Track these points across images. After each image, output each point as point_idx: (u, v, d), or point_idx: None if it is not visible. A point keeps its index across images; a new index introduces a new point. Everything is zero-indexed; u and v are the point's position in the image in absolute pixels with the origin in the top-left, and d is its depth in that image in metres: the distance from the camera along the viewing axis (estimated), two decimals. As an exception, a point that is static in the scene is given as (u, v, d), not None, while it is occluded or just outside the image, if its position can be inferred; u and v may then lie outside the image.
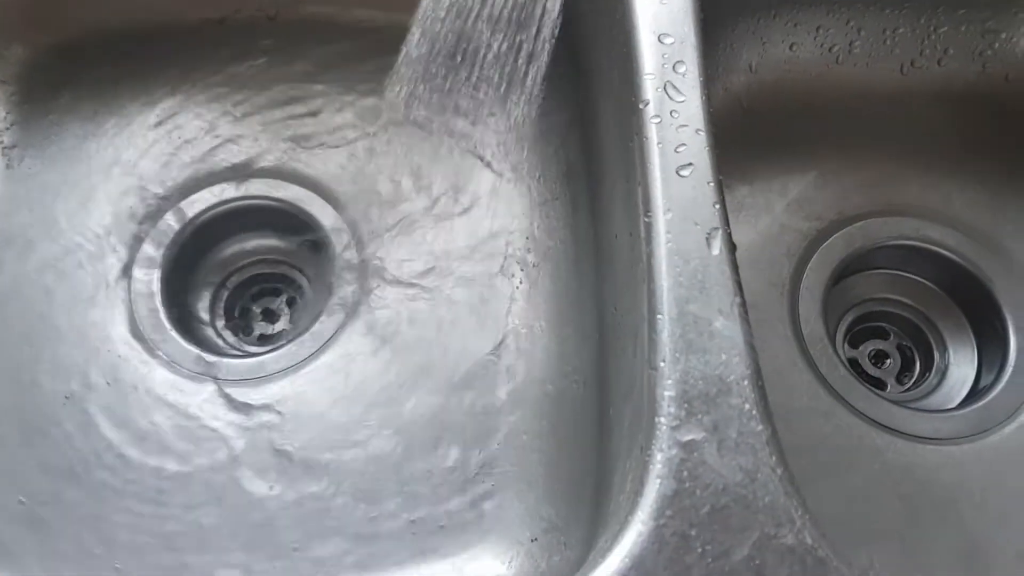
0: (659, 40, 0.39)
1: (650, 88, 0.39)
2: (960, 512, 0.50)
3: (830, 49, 0.58)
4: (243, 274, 0.62)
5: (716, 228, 0.36)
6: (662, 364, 0.35)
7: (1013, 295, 0.54)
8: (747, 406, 0.34)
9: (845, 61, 0.58)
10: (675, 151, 0.38)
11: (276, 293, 0.63)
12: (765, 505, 0.32)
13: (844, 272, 0.56)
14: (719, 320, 0.35)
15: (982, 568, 0.48)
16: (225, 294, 0.62)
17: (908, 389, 0.58)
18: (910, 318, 0.58)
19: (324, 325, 0.57)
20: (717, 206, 0.37)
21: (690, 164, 0.38)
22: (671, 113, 0.38)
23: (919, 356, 0.59)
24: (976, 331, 0.56)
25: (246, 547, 0.51)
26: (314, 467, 0.53)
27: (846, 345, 0.58)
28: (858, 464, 0.50)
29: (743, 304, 0.36)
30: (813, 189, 0.57)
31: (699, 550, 0.32)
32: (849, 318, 0.58)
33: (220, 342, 0.60)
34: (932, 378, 0.57)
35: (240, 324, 0.61)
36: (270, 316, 0.62)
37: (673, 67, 0.39)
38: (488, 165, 0.60)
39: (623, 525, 0.32)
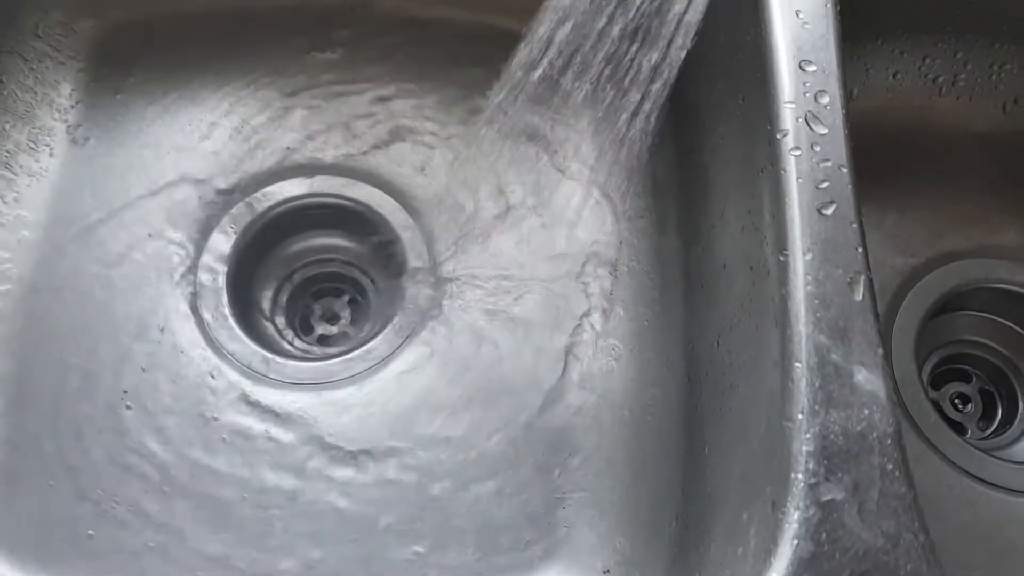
0: (800, 67, 0.37)
1: (789, 118, 0.37)
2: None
3: (934, 80, 0.56)
4: (307, 272, 0.60)
5: (859, 272, 0.34)
6: (800, 416, 0.33)
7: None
8: (890, 466, 0.32)
9: (948, 94, 0.56)
10: (816, 187, 0.36)
11: (338, 294, 0.61)
12: (908, 574, 0.31)
13: (935, 312, 0.54)
14: (861, 372, 0.33)
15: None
16: (287, 292, 0.60)
17: (988, 436, 0.56)
18: (995, 363, 0.57)
19: (392, 334, 0.55)
20: (860, 249, 0.35)
21: (832, 202, 0.36)
22: (812, 146, 0.36)
23: (1002, 402, 0.57)
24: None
25: (309, 543, 0.49)
26: (380, 480, 0.51)
27: (929, 386, 0.56)
28: (947, 514, 0.49)
29: (887, 356, 0.34)
30: (908, 224, 0.55)
31: (838, 617, 0.30)
32: (934, 359, 0.56)
33: (282, 341, 0.58)
34: (1016, 427, 0.55)
35: (302, 323, 0.59)
36: (331, 317, 0.60)
37: (815, 97, 0.37)
38: (571, 177, 0.58)
39: (755, 584, 0.31)
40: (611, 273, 0.55)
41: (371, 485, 0.50)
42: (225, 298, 0.55)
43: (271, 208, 0.57)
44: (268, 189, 0.58)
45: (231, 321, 0.54)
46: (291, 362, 0.53)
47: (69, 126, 0.58)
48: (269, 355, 0.54)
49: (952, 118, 0.56)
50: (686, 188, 0.52)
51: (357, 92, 0.61)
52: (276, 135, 0.59)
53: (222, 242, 0.56)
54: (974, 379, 0.57)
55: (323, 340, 0.59)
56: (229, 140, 0.58)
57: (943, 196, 0.56)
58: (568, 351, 0.55)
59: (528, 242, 0.57)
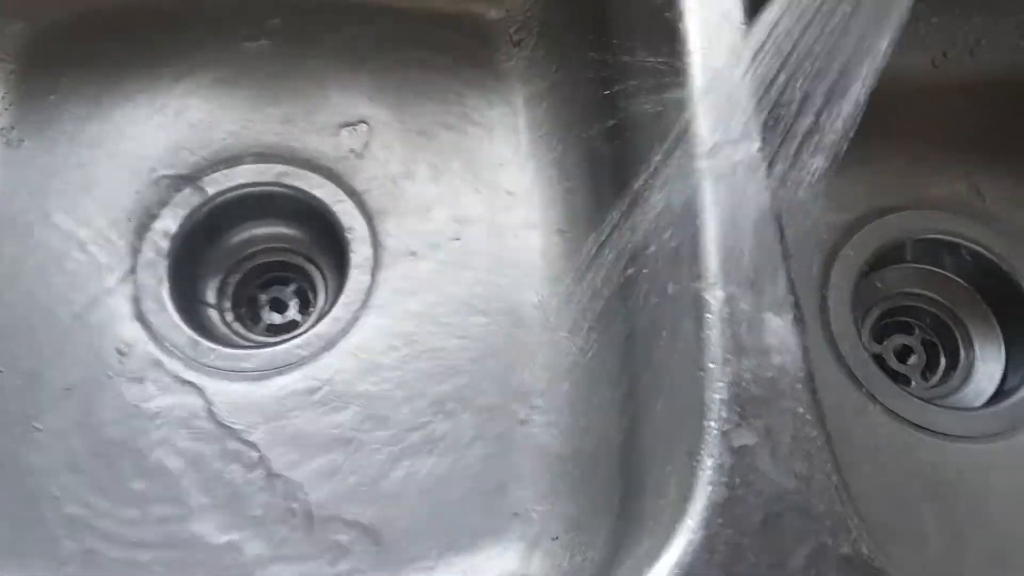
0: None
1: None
2: (991, 512, 0.49)
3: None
4: (252, 262, 0.60)
5: (769, 220, 0.35)
6: (712, 366, 0.33)
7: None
8: (801, 410, 0.32)
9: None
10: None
11: (285, 282, 0.61)
12: (820, 513, 0.31)
13: (874, 266, 0.55)
14: (772, 319, 0.34)
15: (1014, 569, 0.47)
16: (233, 283, 0.60)
17: (933, 386, 0.57)
18: (937, 314, 0.57)
19: (338, 316, 0.55)
20: (763, 186, 0.35)
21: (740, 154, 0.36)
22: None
23: (945, 353, 0.57)
24: (1004, 328, 0.55)
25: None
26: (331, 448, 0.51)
27: (871, 340, 0.57)
28: (888, 462, 0.49)
29: (797, 303, 0.34)
30: (843, 180, 0.55)
31: (752, 560, 0.30)
32: (875, 312, 0.57)
33: (228, 331, 0.58)
34: (957, 375, 0.56)
35: (248, 313, 0.60)
36: (279, 306, 0.60)
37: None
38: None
39: (671, 533, 0.31)
40: (543, 236, 0.56)
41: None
42: (166, 294, 0.55)
43: (210, 200, 0.57)
44: (206, 180, 0.58)
45: (173, 315, 0.54)
46: (227, 349, 0.53)
47: (2, 128, 0.58)
48: (211, 344, 0.54)
49: (883, 75, 0.56)
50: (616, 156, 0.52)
51: (292, 80, 0.61)
52: (213, 127, 0.59)
53: (161, 238, 0.56)
54: (916, 331, 0.58)
55: (271, 329, 0.59)
56: (165, 135, 0.58)
57: (876, 151, 0.56)
58: (509, 316, 0.55)
59: (466, 219, 0.57)
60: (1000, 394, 0.54)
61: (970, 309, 0.56)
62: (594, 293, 0.48)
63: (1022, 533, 0.48)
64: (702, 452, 0.32)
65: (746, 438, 0.32)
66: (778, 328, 0.33)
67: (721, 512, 0.31)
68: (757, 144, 0.36)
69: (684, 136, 0.37)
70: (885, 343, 0.58)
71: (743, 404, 0.32)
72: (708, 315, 0.34)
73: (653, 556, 0.31)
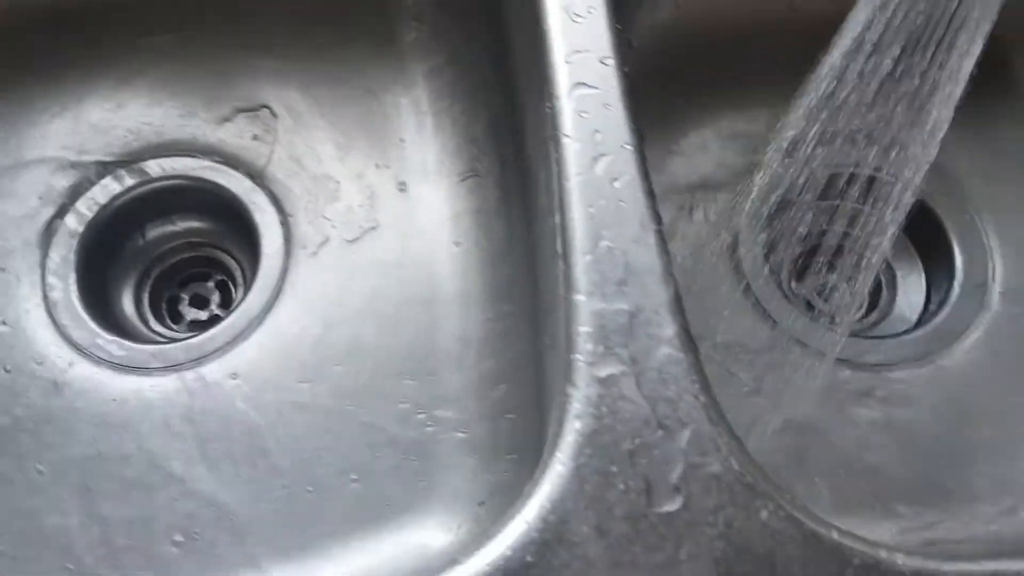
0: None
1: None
2: (915, 436, 0.49)
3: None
4: (169, 260, 0.60)
5: (630, 154, 0.34)
6: (577, 298, 0.33)
7: (952, 213, 0.52)
8: (667, 335, 0.32)
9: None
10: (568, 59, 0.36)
11: (206, 278, 0.60)
12: (689, 435, 0.31)
13: (781, 205, 0.55)
14: (634, 250, 0.33)
15: (937, 493, 0.47)
16: (149, 283, 0.59)
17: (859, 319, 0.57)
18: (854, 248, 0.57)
19: (250, 307, 0.55)
20: (629, 132, 0.35)
21: (595, 88, 0.36)
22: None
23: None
24: (922, 254, 0.55)
25: (182, 536, 0.49)
26: (256, 428, 0.51)
27: (793, 280, 0.56)
28: (808, 395, 0.49)
29: (660, 231, 0.34)
30: (744, 123, 0.55)
31: (621, 487, 0.30)
32: (793, 252, 0.56)
33: (146, 330, 0.58)
34: (881, 308, 0.56)
35: (169, 311, 0.59)
36: (200, 302, 0.60)
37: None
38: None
39: (543, 469, 0.31)
40: (452, 208, 0.56)
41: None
42: (75, 297, 0.54)
43: (116, 199, 0.57)
44: (109, 180, 0.57)
45: (86, 319, 0.54)
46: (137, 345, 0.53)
47: None
48: (126, 342, 0.53)
49: (776, 14, 0.56)
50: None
51: (191, 72, 0.60)
52: (115, 126, 0.59)
53: (68, 239, 0.55)
54: (837, 268, 0.58)
55: (194, 326, 0.59)
56: (67, 138, 0.58)
57: (780, 92, 0.56)
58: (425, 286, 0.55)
59: (373, 195, 0.57)
60: (922, 322, 0.54)
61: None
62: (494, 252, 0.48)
63: (942, 455, 0.47)
64: (570, 385, 0.31)
65: (612, 368, 0.32)
66: (642, 257, 0.33)
67: (589, 443, 0.31)
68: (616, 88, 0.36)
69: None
70: (807, 281, 0.57)
71: (608, 335, 0.32)
72: (572, 251, 0.34)
73: (526, 494, 0.31)
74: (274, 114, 0.59)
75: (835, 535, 0.29)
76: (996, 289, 0.51)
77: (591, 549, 0.29)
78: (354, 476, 0.51)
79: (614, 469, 0.30)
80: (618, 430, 0.31)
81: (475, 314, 0.53)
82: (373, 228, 0.57)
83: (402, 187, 0.58)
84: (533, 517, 0.30)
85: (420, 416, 0.52)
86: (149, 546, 0.49)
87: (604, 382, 0.31)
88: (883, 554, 0.29)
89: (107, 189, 0.57)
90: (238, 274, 0.60)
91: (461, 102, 0.58)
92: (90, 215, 0.56)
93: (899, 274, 0.56)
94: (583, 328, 0.32)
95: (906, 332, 0.52)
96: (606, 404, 0.31)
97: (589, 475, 0.30)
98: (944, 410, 0.49)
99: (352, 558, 0.49)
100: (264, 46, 0.60)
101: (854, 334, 0.54)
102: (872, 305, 0.56)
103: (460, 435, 0.51)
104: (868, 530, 0.41)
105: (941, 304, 0.52)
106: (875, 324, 0.55)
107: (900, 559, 0.29)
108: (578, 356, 0.32)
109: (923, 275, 0.55)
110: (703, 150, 0.54)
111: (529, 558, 0.29)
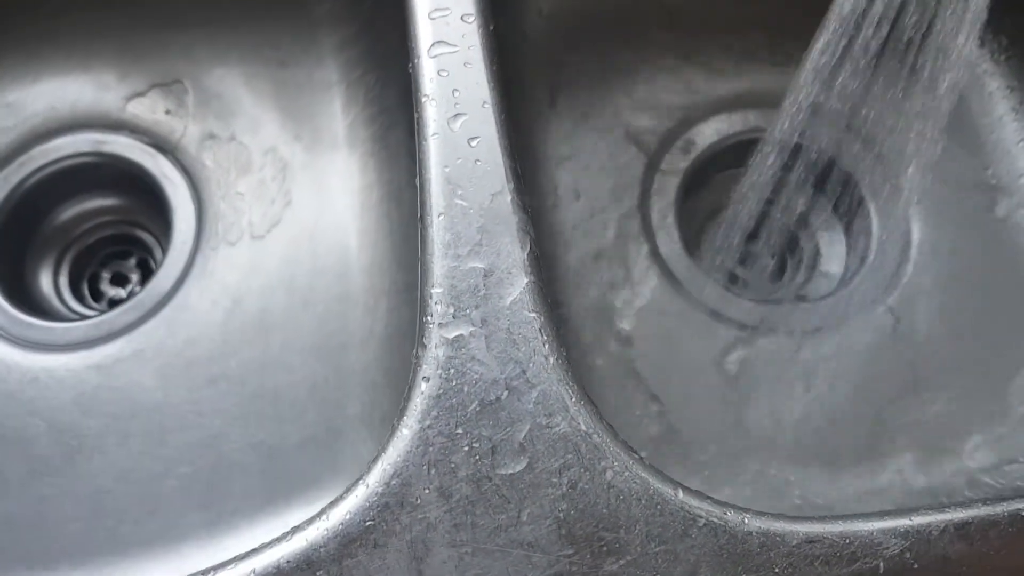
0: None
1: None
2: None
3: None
4: (86, 239, 0.59)
5: (486, 104, 0.34)
6: (430, 259, 0.32)
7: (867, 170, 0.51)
8: (519, 296, 0.31)
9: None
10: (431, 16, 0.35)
11: (126, 255, 0.60)
12: (538, 395, 0.30)
13: (696, 175, 0.54)
14: (490, 210, 0.32)
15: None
16: (68, 262, 0.59)
17: (783, 285, 0.56)
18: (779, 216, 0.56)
19: (162, 281, 0.54)
20: (487, 87, 0.34)
21: (455, 46, 0.35)
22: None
23: (789, 253, 0.56)
24: (843, 219, 0.54)
25: (89, 513, 0.49)
26: (164, 404, 0.51)
27: (711, 250, 0.55)
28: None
29: (516, 190, 0.33)
30: (654, 88, 0.54)
31: (466, 448, 0.29)
32: (705, 223, 0.56)
33: (64, 309, 0.57)
34: (802, 273, 0.55)
35: (90, 290, 0.59)
36: (120, 280, 0.59)
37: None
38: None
39: (392, 432, 0.30)
40: (363, 178, 0.55)
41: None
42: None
43: (31, 175, 0.56)
44: (24, 158, 0.57)
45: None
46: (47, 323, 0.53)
47: None
48: (37, 321, 0.53)
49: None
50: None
51: (103, 47, 0.59)
52: (27, 103, 0.58)
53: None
54: (762, 236, 0.57)
55: (114, 304, 0.58)
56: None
57: (687, 55, 0.55)
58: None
59: (290, 167, 0.56)
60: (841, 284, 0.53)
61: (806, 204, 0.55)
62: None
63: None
64: (419, 347, 0.31)
65: (461, 329, 0.31)
66: (497, 217, 0.32)
67: (436, 405, 0.30)
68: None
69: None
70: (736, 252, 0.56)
71: (459, 296, 0.31)
72: (427, 210, 0.33)
73: (372, 459, 0.30)
74: (186, 88, 0.58)
75: (680, 495, 0.29)
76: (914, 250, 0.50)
77: (432, 512, 0.29)
78: (262, 451, 0.50)
79: (460, 431, 0.30)
80: (465, 392, 0.30)
81: (385, 284, 0.53)
82: (285, 201, 0.56)
83: (315, 158, 0.57)
84: (375, 481, 0.29)
85: (328, 390, 0.51)
86: (56, 524, 0.49)
87: (453, 343, 0.31)
88: (730, 514, 0.28)
89: (22, 167, 0.57)
90: (157, 252, 0.59)
91: (374, 71, 0.57)
92: (3, 192, 0.56)
93: (820, 239, 0.55)
94: (435, 289, 0.32)
95: (825, 296, 0.52)
96: (454, 366, 0.30)
97: (434, 437, 0.30)
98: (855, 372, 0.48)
99: (260, 533, 0.49)
100: (177, 21, 0.60)
101: (774, 300, 0.53)
102: (793, 269, 0.56)
103: (367, 408, 0.51)
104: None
105: (858, 269, 0.51)
106: (800, 289, 0.54)
107: (747, 519, 0.28)
108: (428, 318, 0.31)
109: (844, 240, 0.54)
110: (615, 116, 0.53)
111: (369, 522, 0.28)
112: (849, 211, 0.54)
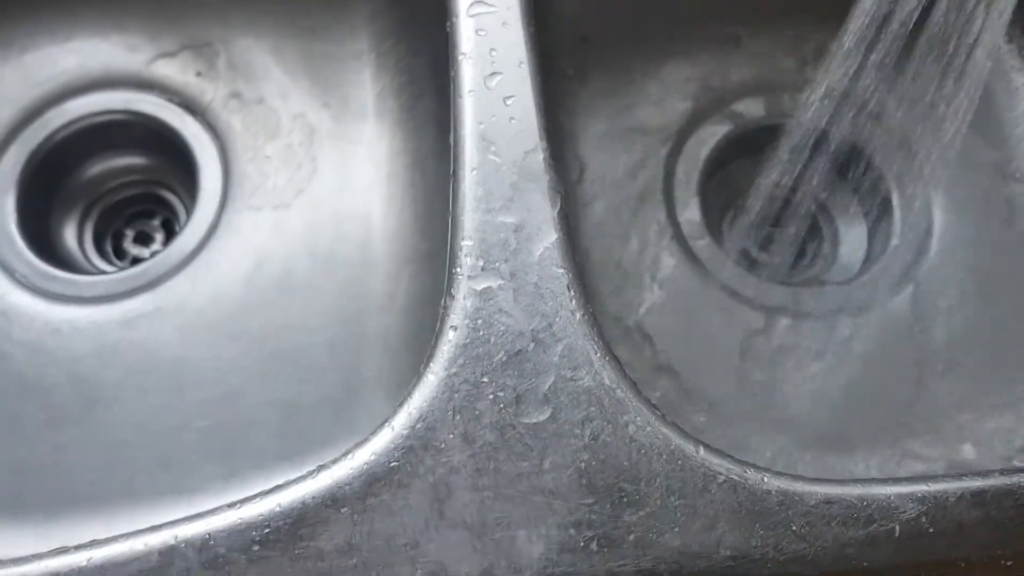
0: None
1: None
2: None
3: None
4: (112, 197, 0.60)
5: (522, 64, 0.34)
6: (461, 212, 0.33)
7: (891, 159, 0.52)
8: (549, 252, 0.32)
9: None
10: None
11: (151, 215, 0.60)
12: (563, 348, 0.30)
13: (721, 159, 0.54)
14: (522, 166, 0.33)
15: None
16: (93, 218, 0.59)
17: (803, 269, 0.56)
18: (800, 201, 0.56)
19: (188, 239, 0.55)
20: (523, 49, 0.35)
21: (493, 7, 0.35)
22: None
23: (808, 237, 0.56)
24: (863, 203, 0.54)
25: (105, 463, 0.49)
26: (185, 359, 0.51)
27: (733, 232, 0.56)
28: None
29: (549, 149, 0.33)
30: (684, 68, 0.54)
31: (491, 396, 0.30)
32: (732, 206, 0.56)
33: (87, 264, 0.58)
34: (822, 258, 0.55)
35: (113, 248, 0.59)
36: (144, 239, 0.60)
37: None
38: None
39: (419, 378, 0.31)
40: (390, 147, 0.56)
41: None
42: (14, 228, 0.54)
43: (61, 130, 0.57)
44: (53, 112, 0.57)
45: (24, 250, 0.54)
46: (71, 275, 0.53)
47: None
48: (62, 273, 0.54)
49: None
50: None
51: (135, 6, 0.60)
52: (59, 58, 0.58)
53: (11, 170, 0.55)
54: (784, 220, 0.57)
55: (137, 262, 0.59)
56: (10, 70, 0.58)
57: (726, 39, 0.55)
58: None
59: (317, 134, 0.57)
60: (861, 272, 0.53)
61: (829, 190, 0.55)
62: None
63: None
64: (447, 298, 0.31)
65: (490, 281, 0.31)
66: (528, 173, 0.33)
67: (463, 353, 0.30)
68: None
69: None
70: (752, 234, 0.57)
71: (489, 249, 0.32)
72: (460, 165, 0.33)
73: (400, 402, 0.31)
74: (217, 52, 0.59)
75: (702, 452, 0.29)
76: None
77: (456, 456, 0.29)
78: (279, 409, 0.51)
79: (485, 380, 0.30)
80: (492, 342, 0.31)
81: (407, 252, 0.53)
82: (312, 167, 0.56)
83: (343, 127, 0.57)
84: (400, 424, 0.30)
85: (347, 352, 0.52)
86: (72, 472, 0.49)
87: (482, 295, 0.31)
88: (750, 473, 0.29)
89: (51, 122, 0.57)
90: (181, 212, 0.60)
91: (405, 41, 0.58)
92: (31, 148, 0.56)
93: (840, 223, 0.55)
94: (465, 242, 0.32)
95: (846, 282, 0.52)
96: (482, 316, 0.31)
97: (459, 384, 0.30)
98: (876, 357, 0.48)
99: (274, 487, 0.49)
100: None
101: (793, 283, 0.53)
102: (812, 255, 0.56)
103: (383, 371, 0.51)
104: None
105: (879, 256, 0.51)
106: (817, 274, 0.54)
107: (766, 478, 0.29)
108: (457, 269, 0.32)
109: (865, 227, 0.54)
110: (643, 94, 0.53)
111: (394, 463, 0.29)
112: (872, 198, 0.54)
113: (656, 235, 0.50)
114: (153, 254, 0.58)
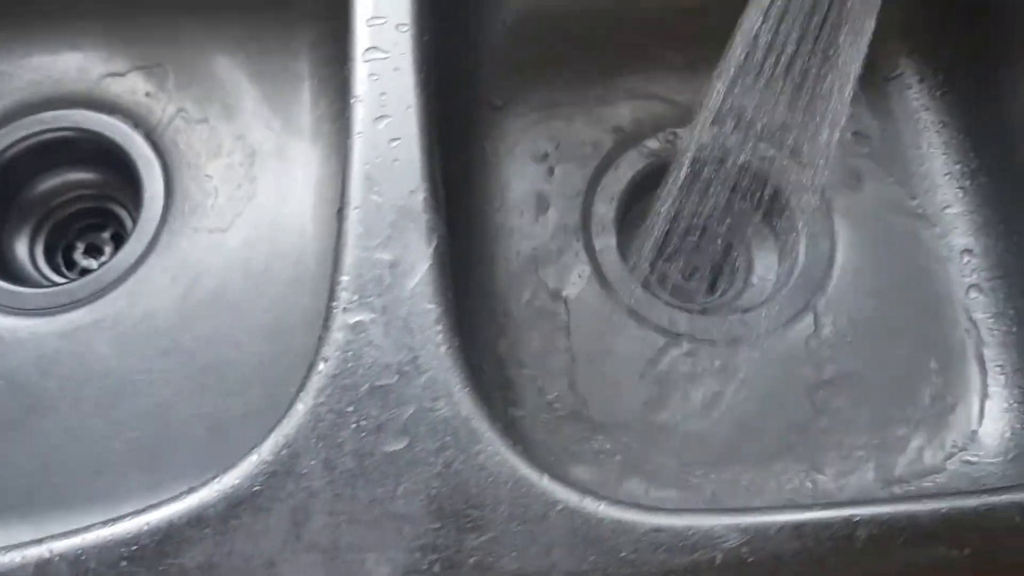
0: None
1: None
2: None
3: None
4: (62, 211, 0.62)
5: (410, 108, 0.36)
6: (342, 248, 0.35)
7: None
8: (421, 288, 0.34)
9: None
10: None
11: (101, 228, 0.63)
12: (425, 380, 0.32)
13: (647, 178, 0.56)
14: (402, 206, 0.35)
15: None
16: (44, 231, 0.62)
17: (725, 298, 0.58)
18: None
19: (127, 254, 0.57)
20: (413, 93, 0.37)
21: (387, 53, 0.37)
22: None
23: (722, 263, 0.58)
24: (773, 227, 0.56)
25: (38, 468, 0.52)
26: (117, 371, 0.53)
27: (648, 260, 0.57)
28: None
29: (431, 190, 0.36)
30: (613, 97, 0.56)
31: (353, 426, 0.32)
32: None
33: (38, 275, 0.60)
34: (737, 283, 0.57)
35: (64, 260, 0.62)
36: (94, 251, 0.62)
37: None
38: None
39: (288, 407, 0.33)
40: (327, 169, 0.58)
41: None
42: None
43: (12, 146, 0.59)
44: (7, 129, 0.59)
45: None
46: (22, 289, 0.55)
47: None
48: (7, 285, 0.56)
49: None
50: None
51: (89, 25, 0.62)
52: (13, 77, 0.61)
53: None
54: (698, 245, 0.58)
55: (85, 274, 0.61)
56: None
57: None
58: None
59: (260, 155, 0.59)
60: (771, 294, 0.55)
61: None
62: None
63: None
64: (323, 330, 0.33)
65: (362, 315, 0.33)
66: (408, 213, 0.35)
67: (331, 383, 0.33)
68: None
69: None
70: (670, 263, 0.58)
71: (364, 284, 0.34)
72: (346, 204, 0.35)
73: (269, 429, 0.33)
74: (167, 72, 0.61)
75: (545, 480, 0.31)
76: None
77: (316, 482, 0.31)
78: (206, 422, 0.53)
79: (350, 409, 0.32)
80: (359, 374, 0.33)
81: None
82: (251, 186, 0.59)
83: (284, 149, 0.59)
84: (267, 450, 0.32)
85: (274, 368, 0.54)
86: (6, 477, 0.52)
87: (354, 328, 0.33)
88: (587, 501, 0.31)
89: (4, 138, 0.59)
90: (129, 225, 0.62)
91: (342, 72, 0.60)
92: (-16, 163, 0.58)
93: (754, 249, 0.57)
94: (343, 277, 0.34)
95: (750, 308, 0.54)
96: (352, 349, 0.33)
97: (325, 414, 0.32)
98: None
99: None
100: (165, 6, 0.62)
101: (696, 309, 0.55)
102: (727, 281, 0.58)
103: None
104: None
105: (783, 284, 0.53)
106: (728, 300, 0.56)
107: (602, 507, 0.31)
108: (334, 303, 0.34)
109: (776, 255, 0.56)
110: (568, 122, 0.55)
111: (257, 487, 0.31)
112: (781, 227, 0.56)
113: (571, 259, 0.52)
114: (101, 265, 0.61)
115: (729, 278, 0.56)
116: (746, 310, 0.53)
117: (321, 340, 0.33)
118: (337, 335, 0.33)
